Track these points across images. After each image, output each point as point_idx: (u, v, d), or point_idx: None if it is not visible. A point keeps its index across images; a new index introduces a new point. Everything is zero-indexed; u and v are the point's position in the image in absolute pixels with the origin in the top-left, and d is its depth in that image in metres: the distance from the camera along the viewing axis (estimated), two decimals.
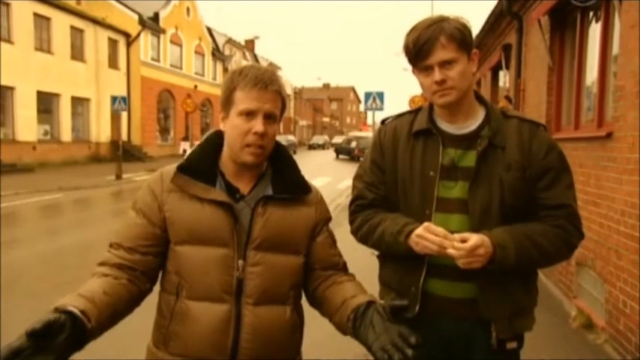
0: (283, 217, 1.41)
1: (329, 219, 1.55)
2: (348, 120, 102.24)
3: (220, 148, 1.44)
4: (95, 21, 23.05)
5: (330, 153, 40.31)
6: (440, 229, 1.44)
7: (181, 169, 1.38)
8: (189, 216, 1.36)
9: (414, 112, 1.70)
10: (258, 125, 1.34)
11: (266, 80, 1.35)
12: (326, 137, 58.63)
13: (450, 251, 1.41)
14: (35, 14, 19.46)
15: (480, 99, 1.64)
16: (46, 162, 19.50)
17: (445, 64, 1.48)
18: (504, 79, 9.34)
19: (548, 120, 5.76)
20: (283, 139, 39.85)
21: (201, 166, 1.40)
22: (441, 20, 1.50)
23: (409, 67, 1.59)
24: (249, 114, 1.34)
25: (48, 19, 20.25)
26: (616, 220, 3.70)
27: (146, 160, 23.76)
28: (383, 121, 1.77)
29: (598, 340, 3.88)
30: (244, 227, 1.37)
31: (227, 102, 1.38)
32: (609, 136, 3.83)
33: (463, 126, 1.59)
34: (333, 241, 1.54)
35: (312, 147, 50.65)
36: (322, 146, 51.01)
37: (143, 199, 1.42)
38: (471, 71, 1.55)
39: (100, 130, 23.65)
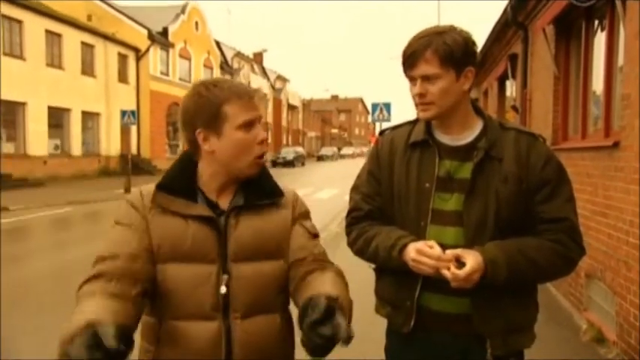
0: (258, 224, 1.39)
1: (306, 212, 1.49)
2: (357, 131, 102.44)
3: (195, 167, 1.41)
4: (105, 36, 23.41)
5: (340, 164, 40.28)
6: (433, 251, 1.42)
7: (160, 187, 1.35)
8: (173, 233, 1.33)
9: (412, 123, 1.68)
10: (262, 133, 1.37)
11: (250, 90, 1.39)
12: (335, 149, 58.76)
13: (445, 272, 1.40)
14: (47, 31, 19.81)
15: (477, 110, 1.61)
16: (56, 176, 19.69)
17: (427, 78, 1.48)
18: (511, 88, 9.30)
19: (555, 129, 5.71)
20: (292, 150, 39.97)
21: (180, 183, 1.37)
22: (437, 32, 1.48)
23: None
24: (249, 125, 1.34)
25: (59, 35, 20.60)
26: (625, 230, 3.63)
27: (155, 174, 23.91)
28: (381, 132, 1.76)
29: (609, 355, 3.78)
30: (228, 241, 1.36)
31: (214, 119, 1.33)
32: (616, 145, 3.77)
33: (460, 137, 1.57)
34: (310, 233, 1.46)
35: (320, 158, 50.76)
36: (331, 157, 51.11)
37: (128, 216, 1.36)
38: (460, 89, 1.52)
39: (110, 144, 23.88)
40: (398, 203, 1.60)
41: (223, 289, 1.33)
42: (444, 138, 1.58)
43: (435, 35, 1.47)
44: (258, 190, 1.42)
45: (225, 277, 1.33)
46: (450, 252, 1.42)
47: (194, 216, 1.33)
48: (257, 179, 1.42)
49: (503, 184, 1.50)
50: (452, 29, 1.50)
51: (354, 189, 1.72)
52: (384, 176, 1.64)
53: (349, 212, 1.72)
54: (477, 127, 1.58)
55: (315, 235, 1.48)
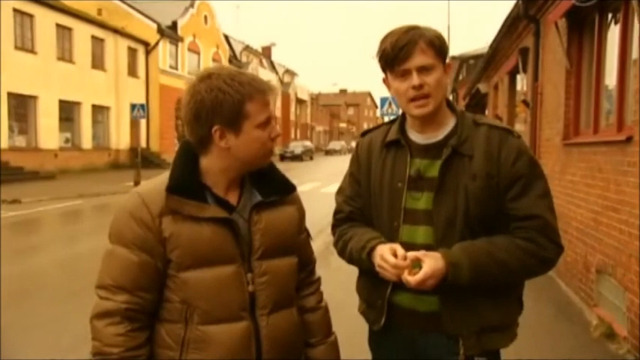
0: (276, 220, 1.40)
1: (304, 213, 1.55)
2: (365, 125, 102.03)
3: (196, 161, 1.35)
4: (115, 30, 23.50)
5: (348, 158, 40.17)
6: (391, 258, 1.42)
7: (171, 191, 1.28)
8: (190, 238, 1.28)
9: (390, 124, 1.68)
10: (276, 129, 1.35)
11: (268, 84, 1.34)
12: (343, 143, 58.58)
13: (402, 278, 1.41)
14: (58, 25, 19.94)
15: (451, 107, 1.60)
16: (67, 169, 19.87)
17: (423, 69, 1.45)
18: (522, 82, 9.22)
19: (567, 124, 5.65)
20: (300, 144, 39.95)
21: (188, 183, 1.30)
22: (418, 27, 1.49)
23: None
24: (267, 122, 1.32)
25: (70, 29, 20.72)
26: (637, 226, 3.59)
27: (165, 167, 23.92)
28: (362, 134, 1.76)
29: (620, 350, 3.76)
30: (245, 239, 1.34)
31: (237, 117, 1.28)
32: (629, 140, 3.73)
33: (432, 135, 1.55)
34: (309, 238, 1.57)
35: (329, 152, 50.70)
36: (339, 152, 51.02)
37: (130, 231, 1.28)
38: (446, 82, 1.52)
39: (120, 138, 24.03)
40: (374, 204, 1.61)
41: (250, 288, 1.33)
42: (417, 137, 1.57)
43: (420, 29, 1.47)
44: (271, 184, 1.41)
45: (250, 275, 1.34)
46: (411, 254, 1.41)
47: (208, 218, 1.29)
48: (265, 173, 1.41)
49: (472, 181, 1.47)
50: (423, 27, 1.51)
51: (339, 191, 1.74)
52: (362, 177, 1.65)
53: (333, 215, 1.73)
54: (450, 124, 1.56)
55: (310, 238, 1.58)
